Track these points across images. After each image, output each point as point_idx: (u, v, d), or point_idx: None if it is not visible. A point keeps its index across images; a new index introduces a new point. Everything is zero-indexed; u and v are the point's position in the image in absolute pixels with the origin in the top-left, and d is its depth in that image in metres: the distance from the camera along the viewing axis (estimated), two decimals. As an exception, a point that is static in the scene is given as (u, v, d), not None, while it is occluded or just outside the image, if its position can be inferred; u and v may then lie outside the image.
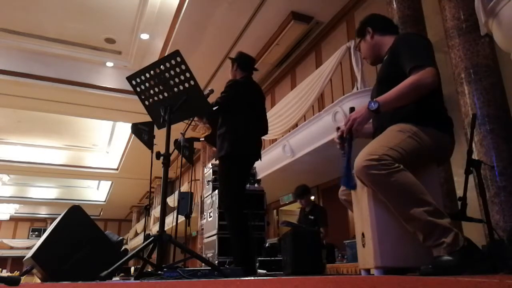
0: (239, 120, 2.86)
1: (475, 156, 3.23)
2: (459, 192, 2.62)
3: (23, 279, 2.34)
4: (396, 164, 1.57)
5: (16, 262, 22.03)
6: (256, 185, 4.69)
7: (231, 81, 2.99)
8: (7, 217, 23.03)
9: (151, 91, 2.31)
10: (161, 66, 2.22)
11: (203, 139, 3.34)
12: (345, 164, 1.83)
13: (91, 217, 2.70)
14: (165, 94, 2.28)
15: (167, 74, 2.22)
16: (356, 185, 1.83)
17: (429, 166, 1.77)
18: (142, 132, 4.85)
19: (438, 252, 1.51)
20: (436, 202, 1.68)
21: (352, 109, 1.81)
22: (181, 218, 5.66)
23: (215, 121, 3.03)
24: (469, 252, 1.49)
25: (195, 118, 2.96)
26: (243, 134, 2.85)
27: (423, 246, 1.58)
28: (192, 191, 6.38)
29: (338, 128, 1.90)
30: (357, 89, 4.97)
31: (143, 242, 2.30)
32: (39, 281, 2.84)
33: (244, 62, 3.12)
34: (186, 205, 5.63)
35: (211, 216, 4.53)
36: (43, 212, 23.91)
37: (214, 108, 2.79)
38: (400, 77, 1.70)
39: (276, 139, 6.99)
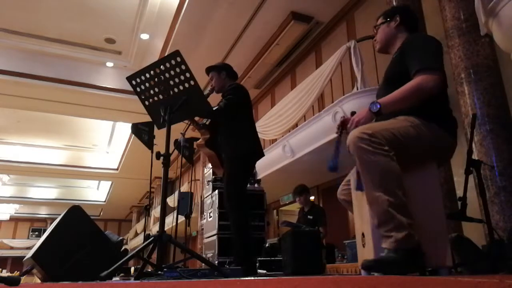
0: (245, 121, 3.00)
1: (475, 156, 3.23)
2: (459, 192, 2.62)
3: (23, 279, 2.33)
4: (386, 147, 1.58)
5: (16, 262, 22.02)
6: (256, 185, 4.69)
7: (234, 84, 3.05)
8: (7, 217, 23.02)
9: (151, 91, 2.31)
10: (161, 66, 2.22)
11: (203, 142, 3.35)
12: (335, 151, 1.84)
13: (91, 217, 2.70)
14: (165, 94, 2.28)
15: (167, 74, 2.22)
16: (337, 169, 1.83)
17: (429, 165, 1.77)
18: (142, 132, 4.86)
19: (385, 244, 1.54)
20: (436, 202, 1.68)
21: (353, 113, 1.82)
22: (181, 218, 5.66)
23: (213, 125, 3.07)
24: (412, 257, 1.49)
25: (191, 126, 3.04)
26: (251, 134, 3.00)
27: (423, 246, 1.58)
28: (192, 191, 6.38)
29: (342, 117, 1.95)
30: (357, 89, 4.96)
31: (143, 242, 2.30)
32: (39, 281, 2.84)
33: (231, 70, 3.21)
34: (186, 205, 5.63)
35: (211, 216, 4.53)
36: (43, 212, 23.90)
37: (223, 109, 2.87)
38: (407, 77, 1.71)
39: (276, 139, 6.99)
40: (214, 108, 2.84)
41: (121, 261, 1.98)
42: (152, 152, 4.44)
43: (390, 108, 1.68)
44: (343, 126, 1.88)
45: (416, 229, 1.54)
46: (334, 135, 1.98)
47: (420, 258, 1.52)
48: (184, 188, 10.30)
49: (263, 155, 3.04)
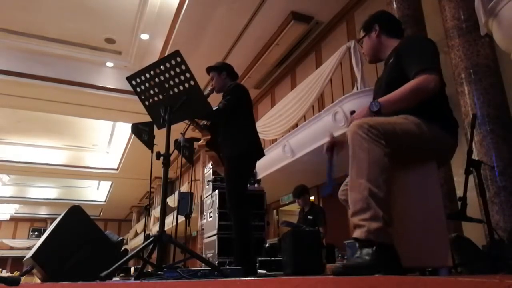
0: (245, 121, 2.99)
1: (475, 156, 3.23)
2: (459, 192, 2.62)
3: (23, 279, 2.33)
4: (383, 141, 1.56)
5: (16, 262, 22.00)
6: (256, 185, 4.69)
7: (233, 84, 3.04)
8: (7, 217, 23.01)
9: (151, 91, 2.31)
10: (161, 66, 2.21)
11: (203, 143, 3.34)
12: (328, 172, 1.88)
13: (91, 217, 2.70)
14: (165, 94, 2.28)
15: (167, 74, 2.22)
16: (331, 193, 1.87)
17: (429, 166, 1.76)
18: (142, 132, 4.86)
19: (356, 234, 1.50)
20: (436, 202, 1.68)
21: (352, 113, 1.82)
22: (181, 218, 5.66)
23: (214, 126, 3.06)
24: (382, 255, 1.44)
25: (191, 126, 3.03)
26: (251, 133, 3.00)
27: (423, 246, 1.58)
28: (192, 191, 6.38)
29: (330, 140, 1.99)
30: (357, 89, 4.97)
31: (143, 242, 2.30)
32: (39, 281, 2.84)
33: (232, 70, 3.20)
34: (186, 205, 5.63)
35: (211, 216, 4.53)
36: (43, 212, 23.90)
37: (222, 111, 2.87)
38: (406, 80, 1.70)
39: (276, 139, 6.99)
40: (214, 109, 2.84)
41: (121, 261, 1.98)
42: (152, 152, 4.44)
43: (390, 108, 1.68)
44: (333, 147, 1.93)
45: (393, 233, 1.48)
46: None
47: (391, 258, 1.46)
48: (184, 188, 10.30)
49: (263, 154, 3.03)
